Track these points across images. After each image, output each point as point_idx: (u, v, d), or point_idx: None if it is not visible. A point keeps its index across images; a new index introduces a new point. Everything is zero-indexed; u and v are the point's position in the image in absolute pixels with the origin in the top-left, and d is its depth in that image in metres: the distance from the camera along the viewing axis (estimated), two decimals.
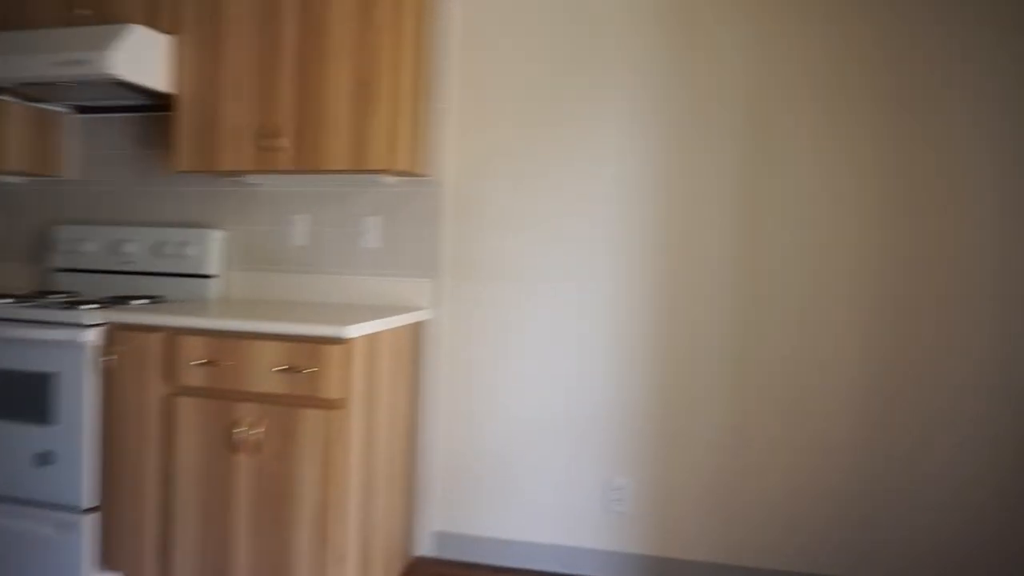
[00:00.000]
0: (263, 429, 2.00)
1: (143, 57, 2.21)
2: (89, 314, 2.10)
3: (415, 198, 2.48)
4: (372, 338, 2.09)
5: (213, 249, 2.59)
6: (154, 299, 2.44)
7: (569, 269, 2.39)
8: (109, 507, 2.14)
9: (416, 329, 2.43)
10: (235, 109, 2.26)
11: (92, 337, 2.10)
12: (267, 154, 2.24)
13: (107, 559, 2.15)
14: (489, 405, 2.47)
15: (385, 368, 2.20)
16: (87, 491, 2.14)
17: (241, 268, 2.65)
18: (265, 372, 1.99)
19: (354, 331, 1.95)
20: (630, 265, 2.34)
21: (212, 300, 2.55)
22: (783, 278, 2.24)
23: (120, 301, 2.35)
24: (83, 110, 2.75)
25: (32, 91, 2.43)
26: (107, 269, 2.68)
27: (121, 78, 2.14)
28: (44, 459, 2.17)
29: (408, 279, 2.49)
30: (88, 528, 2.15)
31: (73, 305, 2.19)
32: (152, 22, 2.31)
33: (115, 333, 2.11)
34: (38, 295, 2.51)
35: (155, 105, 2.58)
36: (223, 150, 2.28)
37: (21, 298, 2.35)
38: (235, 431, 2.01)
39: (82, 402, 2.12)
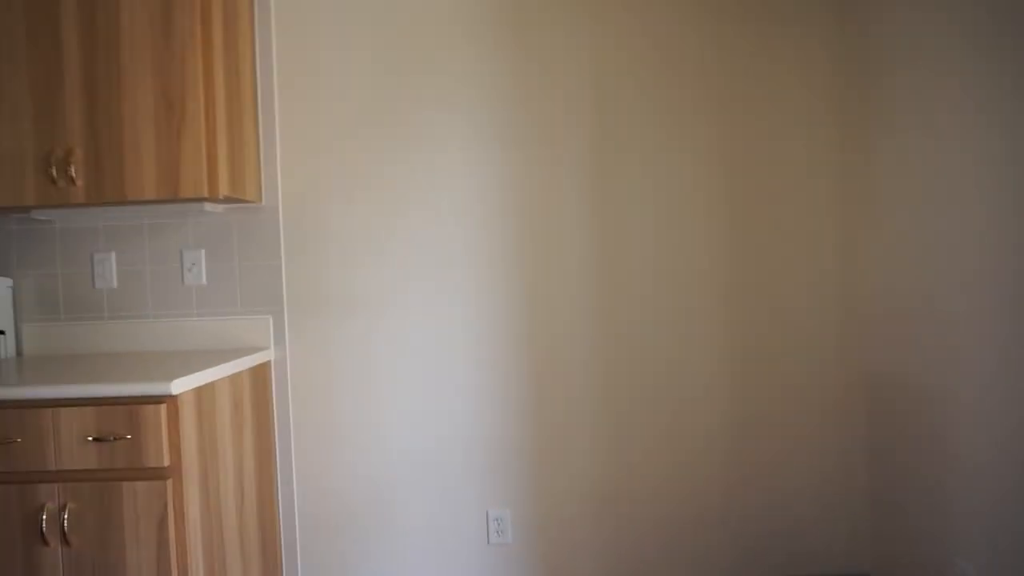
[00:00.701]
0: (74, 513, 1.67)
1: None
2: None
3: (247, 226, 2.23)
4: (205, 390, 1.82)
5: None
6: None
7: (425, 295, 2.25)
8: None
9: (261, 372, 2.18)
10: (9, 132, 1.90)
11: None
12: (55, 186, 1.90)
13: None
14: (351, 448, 2.27)
15: (226, 421, 1.94)
16: None
17: (36, 320, 2.25)
18: (73, 445, 1.67)
19: (179, 385, 1.68)
20: (490, 287, 2.24)
21: (3, 361, 2.14)
22: (643, 290, 2.23)
23: None
24: None
25: None
26: None
27: None
28: None
29: (245, 317, 2.23)
30: None
31: None
32: None
33: None
34: None
35: None
36: None
37: None
38: (41, 518, 1.67)
39: None
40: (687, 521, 2.24)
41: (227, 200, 2.09)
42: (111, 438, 1.66)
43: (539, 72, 2.22)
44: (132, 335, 2.23)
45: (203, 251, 2.23)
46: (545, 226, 2.23)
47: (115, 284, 2.24)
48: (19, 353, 2.24)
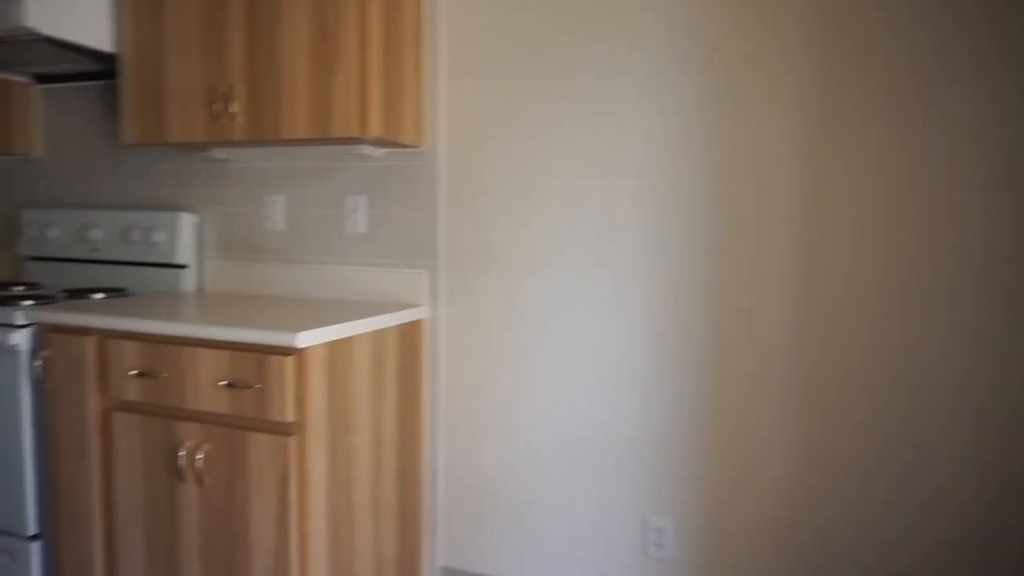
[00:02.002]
0: (207, 455, 1.66)
1: (72, 9, 1.87)
2: (18, 313, 1.80)
3: (406, 173, 2.08)
4: (339, 345, 1.71)
5: (184, 235, 2.26)
6: (114, 292, 2.13)
7: (599, 258, 1.94)
8: (53, 535, 1.86)
9: (412, 331, 2.04)
10: (182, 68, 1.90)
11: (21, 340, 1.80)
12: (218, 122, 1.87)
13: None
14: (501, 422, 2.07)
15: (364, 380, 1.82)
16: (31, 516, 1.86)
17: (217, 257, 2.32)
18: (208, 387, 1.64)
19: (307, 338, 1.57)
20: (677, 252, 1.88)
21: (180, 294, 2.23)
22: (867, 274, 1.73)
23: (77, 295, 2.06)
24: (41, 79, 2.45)
25: None
26: (74, 257, 2.40)
27: (37, 31, 1.80)
28: None
29: (400, 270, 2.10)
30: (36, 557, 1.87)
31: (13, 301, 1.89)
32: None
33: (46, 335, 1.80)
34: None
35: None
36: (171, 118, 1.93)
37: None
38: (179, 455, 1.67)
39: (19, 413, 1.83)
40: (912, 553, 1.75)
41: (386, 143, 1.95)
42: (242, 385, 1.60)
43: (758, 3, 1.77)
44: (296, 279, 2.21)
45: (364, 197, 2.12)
46: (745, 187, 1.80)
47: (283, 227, 2.22)
48: (201, 288, 2.33)
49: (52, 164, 2.53)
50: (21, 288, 2.25)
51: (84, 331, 1.76)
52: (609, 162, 1.91)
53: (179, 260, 2.26)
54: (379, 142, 1.91)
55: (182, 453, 1.67)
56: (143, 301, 2.03)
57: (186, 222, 2.27)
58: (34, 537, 1.87)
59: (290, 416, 1.58)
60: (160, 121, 1.94)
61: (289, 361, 1.57)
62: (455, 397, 2.11)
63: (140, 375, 1.70)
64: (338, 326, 1.68)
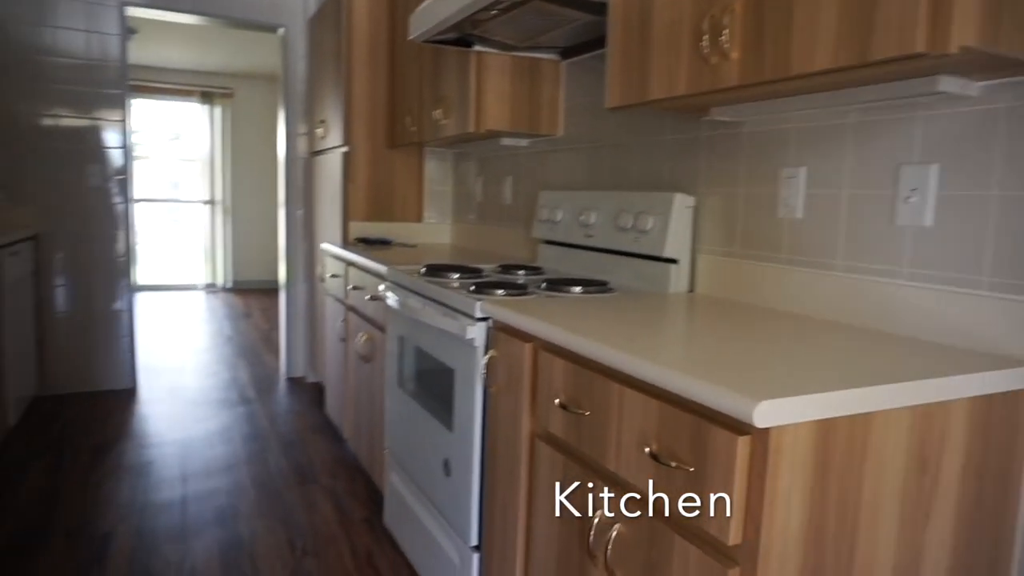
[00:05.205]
0: (620, 539, 1.15)
1: None
2: (478, 305, 1.61)
3: (1019, 122, 1.14)
4: (844, 425, 0.97)
5: (675, 222, 1.79)
6: (594, 287, 1.80)
7: None
8: (487, 553, 1.66)
9: (996, 408, 1.12)
10: (668, 1, 1.39)
11: (477, 334, 1.61)
12: (707, 65, 1.30)
13: None
14: None
15: (887, 489, 1.03)
16: (474, 525, 1.70)
17: (714, 250, 1.78)
18: (630, 445, 1.12)
19: (777, 411, 0.89)
20: None
21: (659, 296, 1.77)
22: None
23: (556, 286, 1.81)
24: (567, 53, 2.28)
25: (501, 35, 2.07)
26: (573, 243, 2.19)
27: None
28: (447, 468, 1.83)
29: (990, 295, 1.19)
30: (475, 569, 1.71)
31: (488, 289, 1.73)
32: None
33: (495, 333, 1.57)
34: (501, 270, 2.18)
35: None
36: (654, 69, 1.44)
37: (469, 273, 2.05)
38: (592, 524, 1.21)
39: (473, 412, 1.67)
40: None
41: (985, 68, 1.07)
42: (670, 462, 1.03)
43: None
44: (809, 291, 1.50)
45: (934, 168, 1.26)
46: None
47: (800, 214, 1.53)
48: (691, 289, 1.83)
49: (568, 142, 2.38)
50: (522, 272, 2.14)
51: (523, 336, 1.45)
52: None
53: (668, 253, 1.80)
54: (971, 65, 1.05)
55: (595, 522, 1.20)
56: (608, 302, 1.64)
57: (679, 205, 1.79)
58: (476, 548, 1.70)
59: (732, 536, 0.94)
60: (642, 76, 1.47)
61: (741, 443, 0.92)
62: None
63: (563, 407, 1.29)
64: (847, 392, 0.95)
